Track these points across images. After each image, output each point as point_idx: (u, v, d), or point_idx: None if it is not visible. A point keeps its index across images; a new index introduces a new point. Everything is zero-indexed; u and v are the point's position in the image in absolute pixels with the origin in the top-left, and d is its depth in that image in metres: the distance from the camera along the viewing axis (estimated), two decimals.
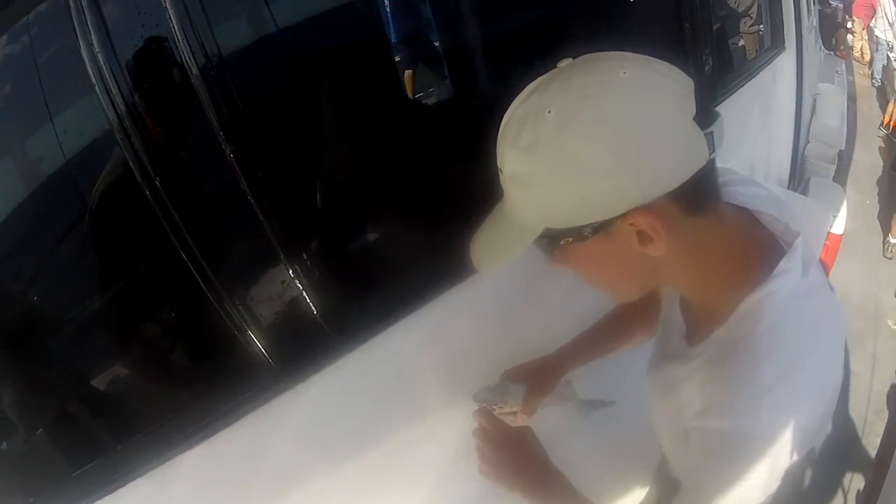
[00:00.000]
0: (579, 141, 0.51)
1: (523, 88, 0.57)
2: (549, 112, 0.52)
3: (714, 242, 0.59)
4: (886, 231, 3.68)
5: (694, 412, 0.59)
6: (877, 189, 4.11)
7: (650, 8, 1.43)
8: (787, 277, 0.57)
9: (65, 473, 0.92)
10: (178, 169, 0.82)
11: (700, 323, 0.65)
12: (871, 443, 2.19)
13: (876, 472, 1.49)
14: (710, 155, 0.53)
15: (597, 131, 0.50)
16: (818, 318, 0.59)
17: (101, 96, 0.76)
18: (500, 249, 0.62)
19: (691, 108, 0.52)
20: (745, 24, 2.01)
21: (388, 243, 1.17)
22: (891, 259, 3.61)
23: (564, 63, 0.56)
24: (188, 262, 0.82)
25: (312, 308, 0.89)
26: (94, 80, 0.76)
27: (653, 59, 0.54)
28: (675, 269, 0.60)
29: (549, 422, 0.97)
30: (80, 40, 0.75)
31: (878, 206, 3.97)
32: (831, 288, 0.63)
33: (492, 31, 1.59)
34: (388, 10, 2.10)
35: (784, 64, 1.98)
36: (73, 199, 0.94)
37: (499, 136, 0.57)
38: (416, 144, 1.16)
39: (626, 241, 0.56)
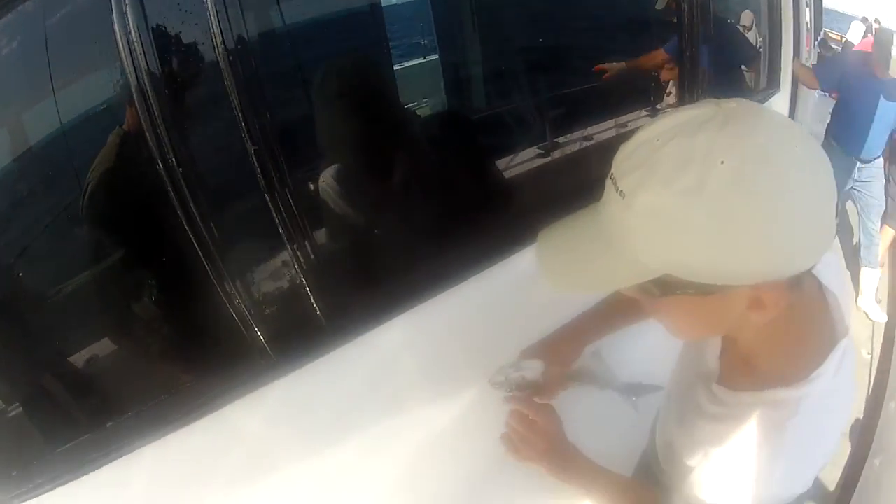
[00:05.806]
0: (750, 205, 0.48)
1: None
2: (723, 163, 0.47)
3: (787, 317, 0.58)
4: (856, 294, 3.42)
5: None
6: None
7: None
8: (822, 381, 0.59)
9: (52, 448, 0.94)
10: (190, 153, 0.83)
11: (738, 366, 0.68)
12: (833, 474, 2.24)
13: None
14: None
15: (771, 201, 0.48)
16: (836, 411, 0.64)
17: (125, 66, 0.77)
18: (595, 277, 0.57)
19: (834, 188, 0.52)
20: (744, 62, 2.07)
21: (392, 240, 1.21)
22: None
23: (729, 105, 0.51)
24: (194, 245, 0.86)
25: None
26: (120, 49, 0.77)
27: (808, 133, 0.53)
28: (753, 328, 0.61)
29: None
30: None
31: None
32: (853, 376, 0.65)
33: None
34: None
35: (777, 105, 2.04)
36: (71, 172, 0.94)
37: (638, 160, 0.51)
38: (424, 144, 1.20)
39: (737, 303, 0.55)
